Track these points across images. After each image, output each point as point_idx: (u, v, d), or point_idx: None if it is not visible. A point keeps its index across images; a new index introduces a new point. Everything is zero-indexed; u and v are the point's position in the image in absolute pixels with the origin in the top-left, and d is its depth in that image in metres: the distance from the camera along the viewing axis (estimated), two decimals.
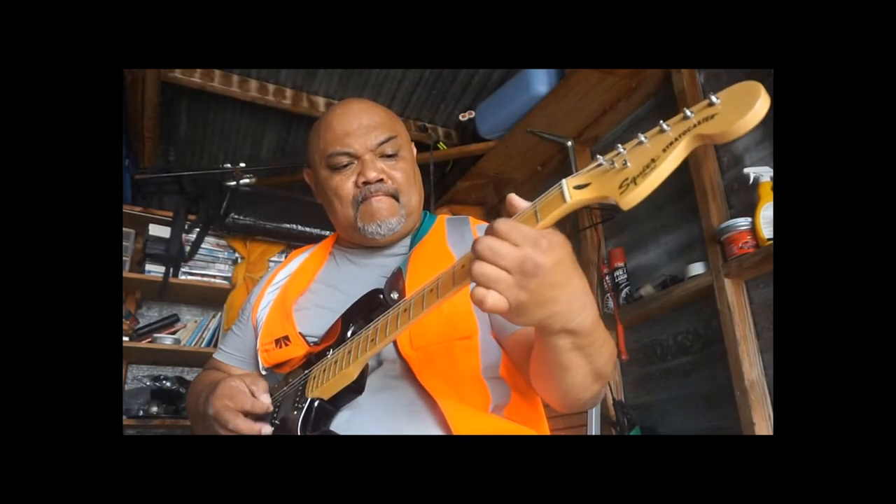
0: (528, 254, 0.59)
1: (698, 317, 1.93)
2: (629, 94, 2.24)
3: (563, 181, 0.61)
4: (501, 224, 0.61)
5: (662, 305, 2.00)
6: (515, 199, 0.66)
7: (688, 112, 0.54)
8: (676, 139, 0.54)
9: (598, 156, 0.60)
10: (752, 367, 1.67)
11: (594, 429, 2.05)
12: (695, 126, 0.53)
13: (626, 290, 2.17)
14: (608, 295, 2.22)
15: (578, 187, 0.60)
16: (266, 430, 0.82)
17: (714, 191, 1.86)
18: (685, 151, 0.54)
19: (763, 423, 1.61)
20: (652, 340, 2.11)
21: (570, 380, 0.75)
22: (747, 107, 0.50)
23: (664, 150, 0.54)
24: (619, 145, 0.59)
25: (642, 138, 0.56)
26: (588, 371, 0.74)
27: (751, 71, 1.81)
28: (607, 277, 2.25)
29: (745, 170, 1.68)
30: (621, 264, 2.22)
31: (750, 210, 1.68)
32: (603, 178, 0.58)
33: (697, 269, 1.87)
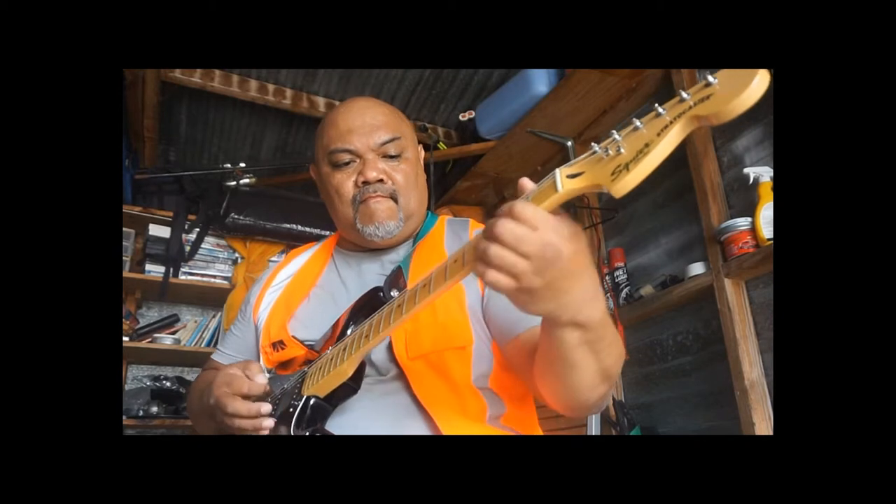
0: (549, 240, 0.57)
1: (698, 317, 1.93)
2: (629, 94, 2.24)
3: (557, 170, 0.60)
4: (523, 207, 0.58)
5: (662, 305, 2.00)
6: (527, 183, 0.63)
7: (684, 94, 0.52)
8: (671, 122, 0.51)
9: (594, 143, 0.58)
10: (752, 367, 1.67)
11: (594, 429, 2.05)
12: (690, 108, 0.51)
13: (626, 290, 2.17)
14: (608, 295, 2.22)
15: (571, 176, 0.58)
16: (265, 408, 0.81)
17: (714, 191, 1.86)
18: (681, 135, 0.52)
19: (763, 423, 1.61)
20: (652, 340, 2.11)
21: (577, 378, 0.72)
22: (744, 85, 0.47)
23: (658, 134, 0.52)
24: (614, 131, 0.56)
25: (637, 123, 0.54)
26: (595, 370, 0.71)
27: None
28: (607, 277, 2.25)
29: (745, 170, 1.68)
30: (621, 264, 2.22)
31: (750, 210, 1.68)
32: (596, 166, 0.56)
33: (697, 269, 1.87)
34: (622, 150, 0.54)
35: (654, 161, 0.52)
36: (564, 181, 0.58)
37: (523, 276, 0.58)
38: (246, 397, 0.83)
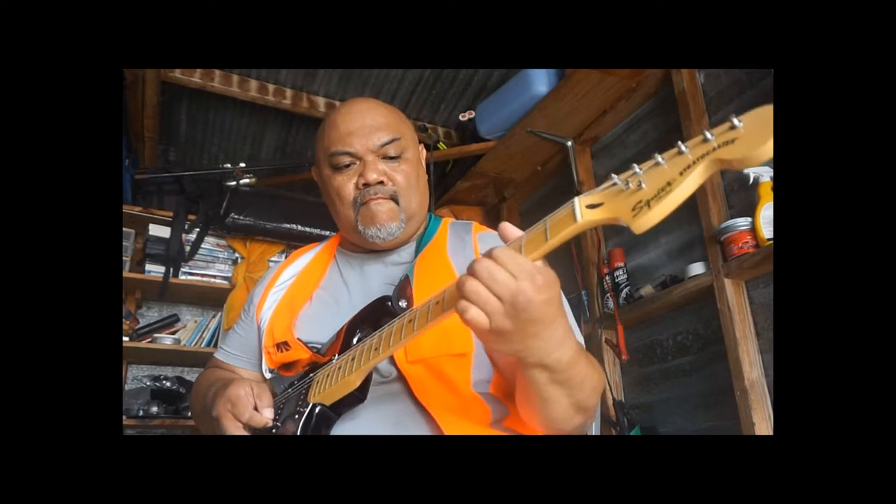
0: (522, 287, 0.60)
1: (698, 317, 1.93)
2: (629, 94, 2.24)
3: (576, 199, 0.59)
4: (501, 252, 0.62)
5: (662, 305, 2.00)
6: (508, 229, 0.66)
7: (708, 134, 0.51)
8: (695, 162, 0.51)
9: (613, 175, 0.58)
10: (752, 367, 1.67)
11: (594, 429, 2.05)
12: (714, 150, 0.50)
13: (626, 290, 2.17)
14: (608, 295, 2.22)
15: (591, 206, 0.58)
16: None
17: (714, 191, 1.86)
18: (703, 176, 0.51)
19: (763, 423, 1.61)
20: (652, 340, 2.11)
21: (551, 411, 0.76)
22: (770, 132, 0.46)
23: (681, 174, 0.51)
24: (636, 165, 0.56)
25: (659, 159, 0.54)
26: (568, 404, 0.75)
27: (750, 71, 1.82)
28: (607, 277, 2.25)
29: (745, 170, 1.68)
30: (621, 264, 2.22)
31: (750, 210, 1.68)
32: (617, 198, 0.56)
33: (697, 269, 1.86)
34: (643, 186, 0.54)
35: (676, 200, 0.52)
36: (584, 211, 0.58)
37: (494, 316, 0.61)
38: (246, 425, 0.84)
